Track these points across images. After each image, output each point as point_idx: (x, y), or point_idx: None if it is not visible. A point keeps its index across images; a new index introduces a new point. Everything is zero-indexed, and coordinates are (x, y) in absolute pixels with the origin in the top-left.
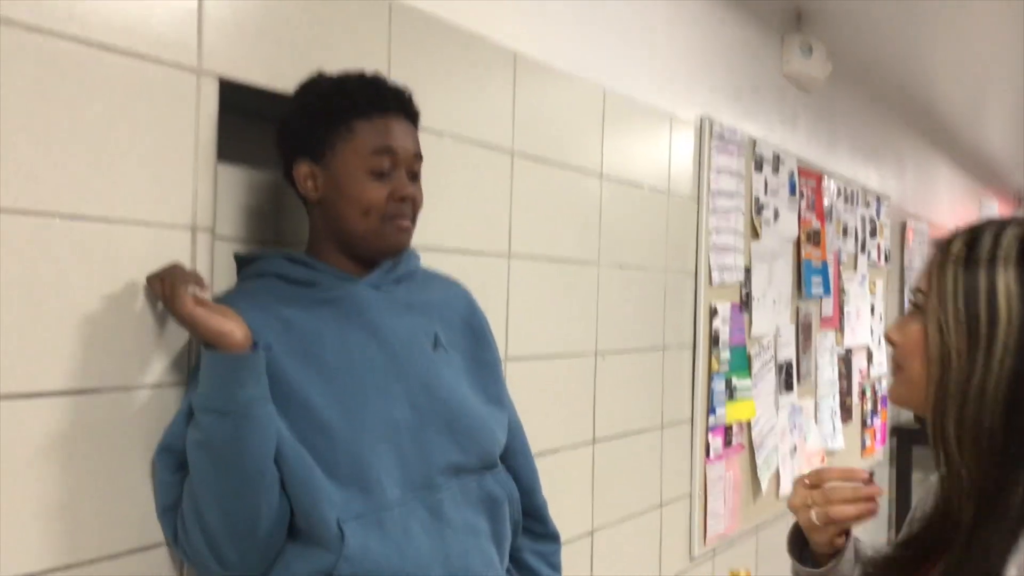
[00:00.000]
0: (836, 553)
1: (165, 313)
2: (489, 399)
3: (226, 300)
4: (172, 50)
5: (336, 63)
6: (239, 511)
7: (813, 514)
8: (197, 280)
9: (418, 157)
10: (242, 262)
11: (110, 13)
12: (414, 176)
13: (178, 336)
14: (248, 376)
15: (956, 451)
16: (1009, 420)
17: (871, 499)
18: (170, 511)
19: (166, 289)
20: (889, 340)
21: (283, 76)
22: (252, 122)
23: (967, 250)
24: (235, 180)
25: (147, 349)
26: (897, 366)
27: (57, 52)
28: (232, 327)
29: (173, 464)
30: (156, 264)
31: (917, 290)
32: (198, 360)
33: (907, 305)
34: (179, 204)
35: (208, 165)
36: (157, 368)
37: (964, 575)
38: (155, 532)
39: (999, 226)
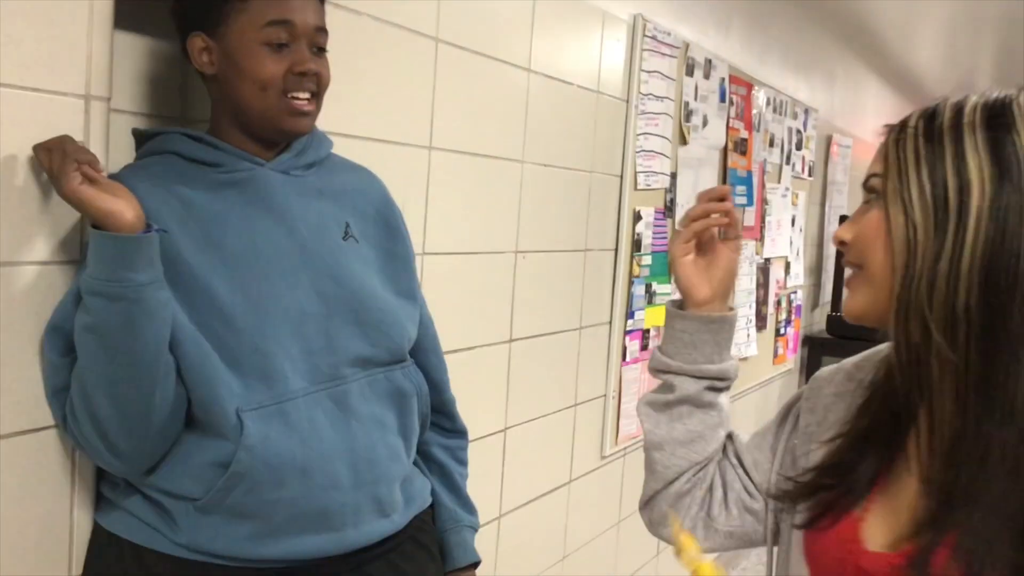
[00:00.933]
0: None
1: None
2: (400, 292)
3: (120, 176)
4: None
5: None
6: (131, 399)
7: (678, 222)
8: (87, 155)
9: (321, 31)
10: (141, 138)
11: None
12: (319, 50)
13: (68, 211)
14: (139, 259)
15: (922, 343)
16: (986, 297)
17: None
18: (60, 393)
19: (53, 163)
20: (840, 241)
21: None
22: None
23: (926, 123)
24: (137, 49)
25: (32, 224)
26: (854, 267)
27: None
28: (122, 206)
29: (62, 346)
30: (45, 134)
31: (871, 176)
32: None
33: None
34: (71, 70)
35: (104, 29)
36: (44, 245)
37: (971, 486)
38: (45, 414)
39: (958, 99)
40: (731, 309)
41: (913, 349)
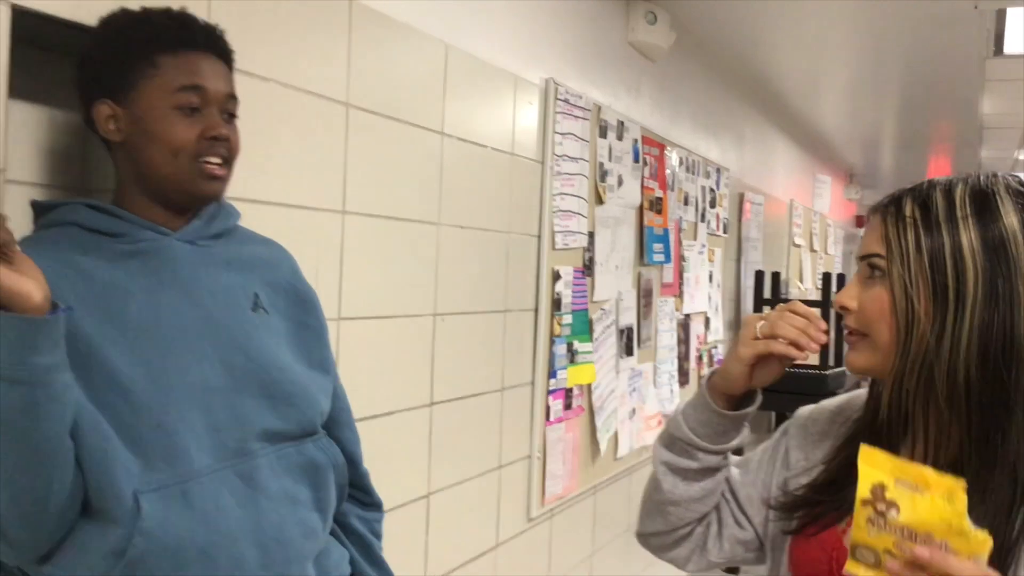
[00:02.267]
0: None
1: None
2: (312, 364)
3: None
4: None
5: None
6: (27, 488)
7: (759, 326)
8: (3, 233)
9: (231, 97)
10: (40, 210)
11: None
12: (229, 116)
13: None
14: (45, 342)
15: (921, 410)
16: (983, 372)
17: (818, 333)
18: None
19: None
20: (843, 307)
21: (87, 6)
22: (55, 57)
23: (922, 212)
24: (34, 119)
25: None
26: (858, 334)
27: None
28: (31, 287)
29: None
30: None
31: (873, 255)
32: None
33: (859, 270)
34: None
35: None
36: None
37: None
38: None
39: (945, 185)
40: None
41: (905, 407)
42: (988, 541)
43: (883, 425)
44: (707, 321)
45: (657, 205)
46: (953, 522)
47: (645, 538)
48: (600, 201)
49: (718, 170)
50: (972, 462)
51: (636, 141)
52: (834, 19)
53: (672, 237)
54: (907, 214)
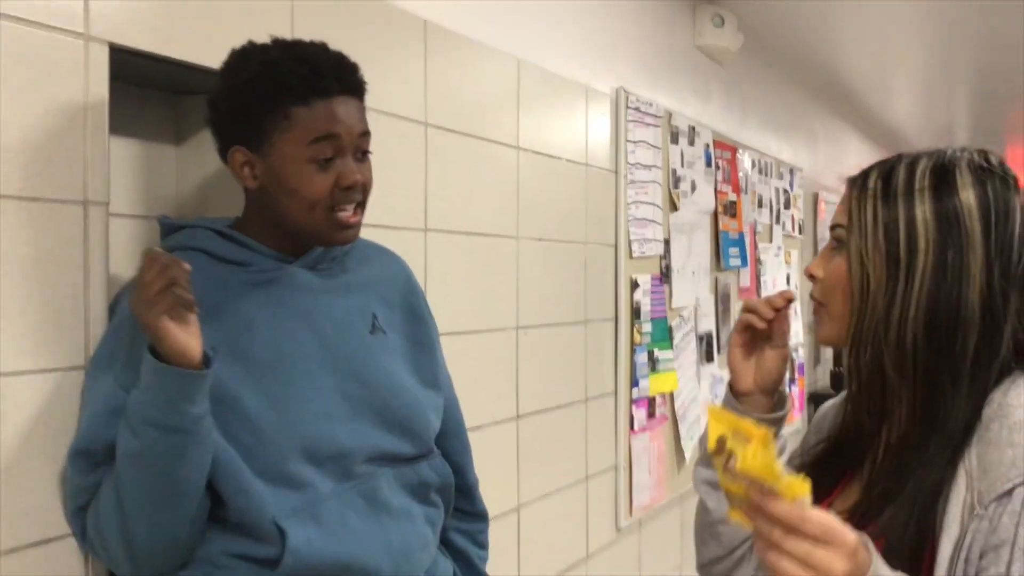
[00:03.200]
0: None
1: (60, 296)
2: (426, 382)
3: None
4: (56, 15)
5: (237, 29)
6: (167, 522)
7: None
8: (187, 297)
9: (365, 135)
10: (167, 228)
11: None
12: (363, 155)
13: (73, 319)
14: (198, 393)
15: (874, 375)
16: (929, 340)
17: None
18: (81, 512)
19: (153, 283)
20: (810, 276)
21: (178, 41)
22: (155, 94)
23: (883, 184)
24: (136, 154)
25: (37, 332)
26: (819, 304)
27: None
28: (194, 344)
29: (88, 466)
30: (45, 243)
31: (836, 225)
32: (105, 348)
33: (827, 242)
34: (68, 177)
35: (100, 135)
36: (48, 352)
37: (901, 485)
38: (53, 525)
39: (911, 159)
40: (779, 406)
41: (865, 377)
42: (805, 484)
43: (857, 398)
44: None
45: (731, 209)
46: (772, 468)
47: (707, 569)
48: (674, 208)
49: (791, 171)
50: (916, 431)
51: (708, 145)
52: (903, 10)
53: (748, 240)
54: (870, 186)
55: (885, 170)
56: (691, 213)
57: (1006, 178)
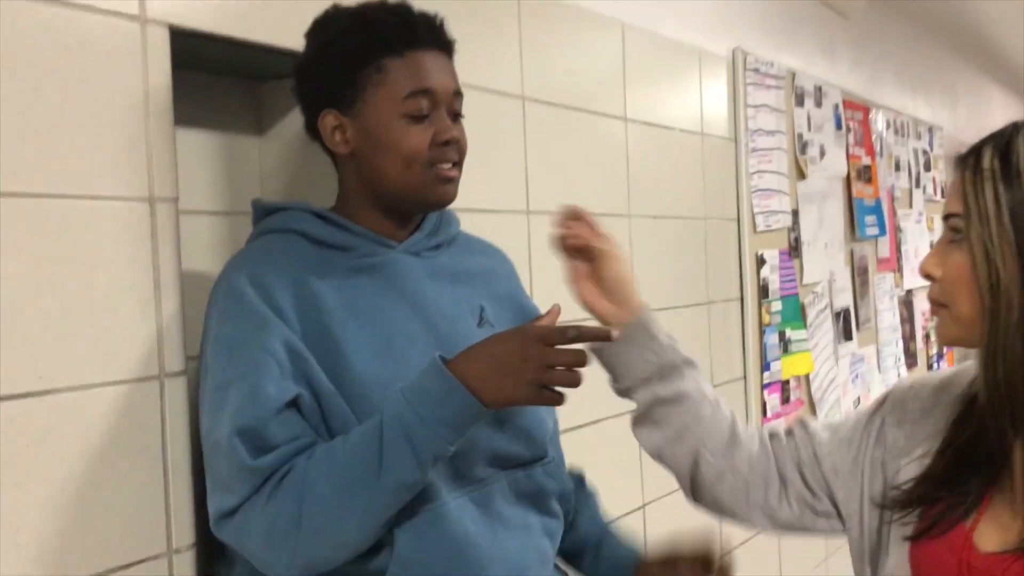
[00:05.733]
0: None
1: (128, 301)
2: None
3: (248, 261)
4: None
5: (314, 6)
6: (360, 543)
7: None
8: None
9: (458, 94)
10: (261, 211)
11: None
12: (455, 116)
13: (142, 322)
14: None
15: (1015, 386)
16: None
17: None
18: (228, 518)
19: (561, 357)
20: (928, 275)
21: (249, 20)
22: (232, 82)
23: (1002, 162)
24: (214, 146)
25: (126, 340)
26: (939, 305)
27: None
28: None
29: (254, 448)
30: (113, 242)
31: (950, 215)
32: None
33: (944, 232)
34: (131, 173)
35: (164, 126)
36: (138, 359)
37: None
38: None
39: None
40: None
41: (1004, 391)
42: None
43: (993, 413)
44: None
45: (866, 174)
46: None
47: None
48: (802, 175)
49: (930, 130)
50: None
51: (837, 106)
52: None
53: (885, 207)
54: (985, 166)
55: (1001, 145)
56: (821, 180)
57: None
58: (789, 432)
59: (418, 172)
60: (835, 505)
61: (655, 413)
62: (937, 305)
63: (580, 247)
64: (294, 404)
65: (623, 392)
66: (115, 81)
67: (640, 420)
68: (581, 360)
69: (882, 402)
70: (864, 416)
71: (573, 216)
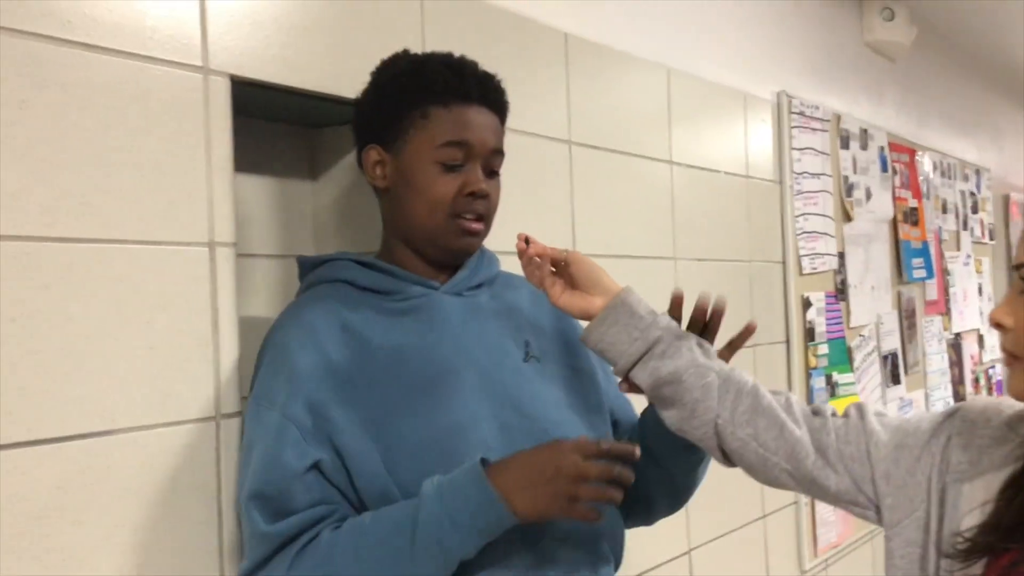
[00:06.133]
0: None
1: (188, 344)
2: (589, 409)
3: (298, 309)
4: (171, 48)
5: (367, 55)
6: None
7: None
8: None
9: (497, 153)
10: (307, 266)
11: (96, 11)
12: (491, 173)
13: (205, 368)
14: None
15: None
16: None
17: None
18: (264, 563)
19: (596, 472)
20: (998, 325)
21: (305, 71)
22: (287, 129)
23: None
24: (269, 191)
25: (174, 384)
26: (1012, 357)
27: (39, 57)
28: None
29: (267, 514)
30: (172, 288)
31: (1021, 265)
32: (265, 383)
33: (1012, 282)
34: (192, 218)
35: (224, 172)
36: (184, 402)
37: None
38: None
39: None
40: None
41: None
42: None
43: None
44: (980, 339)
45: (912, 216)
46: None
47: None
48: (848, 218)
49: (977, 171)
50: None
51: (882, 149)
52: None
53: (932, 249)
54: None
55: None
56: (867, 223)
57: None
58: (846, 415)
59: (441, 219)
60: (877, 506)
61: (662, 392)
62: (1011, 357)
63: (554, 260)
64: (316, 467)
65: (625, 376)
66: (178, 129)
67: (653, 401)
68: (609, 474)
69: (950, 415)
70: (928, 428)
71: (524, 239)
